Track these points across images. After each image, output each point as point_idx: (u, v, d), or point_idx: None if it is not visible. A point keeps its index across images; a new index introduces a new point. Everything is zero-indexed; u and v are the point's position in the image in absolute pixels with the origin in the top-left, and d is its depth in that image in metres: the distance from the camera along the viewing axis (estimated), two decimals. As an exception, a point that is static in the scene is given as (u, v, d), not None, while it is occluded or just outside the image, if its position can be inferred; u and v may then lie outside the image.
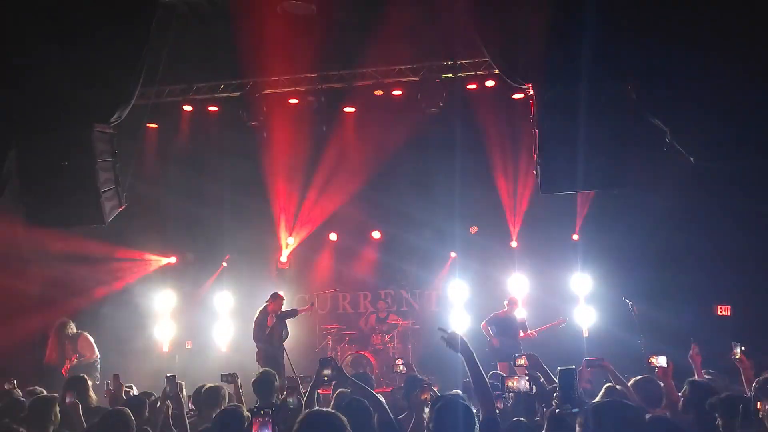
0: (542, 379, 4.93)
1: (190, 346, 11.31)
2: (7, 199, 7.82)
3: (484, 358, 9.29)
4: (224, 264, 12.06)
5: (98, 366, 8.89)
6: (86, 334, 9.01)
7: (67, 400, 5.03)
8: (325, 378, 4.50)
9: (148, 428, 4.56)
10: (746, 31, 6.81)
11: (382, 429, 3.92)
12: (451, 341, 3.81)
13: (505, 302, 10.19)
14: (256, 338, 9.78)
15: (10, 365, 8.56)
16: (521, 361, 5.05)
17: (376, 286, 12.37)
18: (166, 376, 4.88)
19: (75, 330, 9.00)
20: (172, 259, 12.12)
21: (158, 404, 4.87)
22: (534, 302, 11.12)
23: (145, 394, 5.55)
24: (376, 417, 4.14)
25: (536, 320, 10.57)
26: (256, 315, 9.86)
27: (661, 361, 4.83)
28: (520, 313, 10.29)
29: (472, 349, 3.78)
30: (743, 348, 4.94)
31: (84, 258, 10.48)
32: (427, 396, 4.97)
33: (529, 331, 10.07)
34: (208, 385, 5.33)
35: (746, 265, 9.10)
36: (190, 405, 5.51)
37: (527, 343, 9.84)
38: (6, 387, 6.08)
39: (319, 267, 12.50)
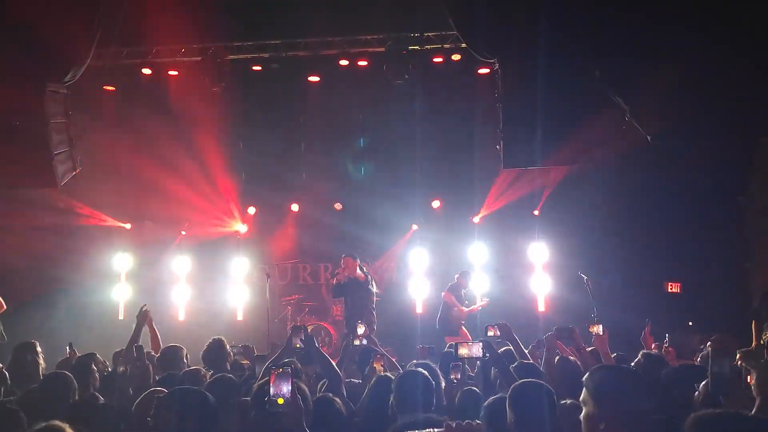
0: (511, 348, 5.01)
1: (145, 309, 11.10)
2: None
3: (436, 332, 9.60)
4: (183, 233, 11.87)
5: None
6: None
7: (27, 358, 4.98)
8: (297, 347, 4.45)
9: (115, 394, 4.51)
10: (708, 12, 6.93)
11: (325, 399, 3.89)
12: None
13: (456, 276, 10.23)
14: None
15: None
16: (492, 332, 5.07)
17: (337, 258, 12.33)
18: (135, 346, 4.90)
19: None
20: (127, 225, 11.85)
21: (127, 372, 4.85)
22: (492, 271, 11.28)
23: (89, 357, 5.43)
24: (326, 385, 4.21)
25: (493, 288, 10.75)
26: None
27: (598, 329, 5.03)
28: (472, 285, 10.37)
29: None
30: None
31: (36, 220, 10.16)
32: (379, 365, 5.06)
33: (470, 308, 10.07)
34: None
35: (698, 243, 9.38)
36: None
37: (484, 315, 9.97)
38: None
39: (280, 237, 12.40)
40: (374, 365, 5.02)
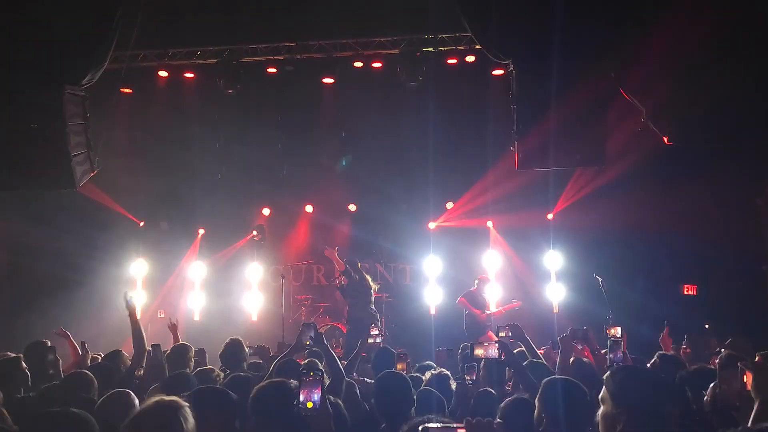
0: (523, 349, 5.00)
1: (162, 315, 11.24)
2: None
3: (460, 335, 9.58)
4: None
5: None
6: None
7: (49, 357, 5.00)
8: (307, 343, 4.49)
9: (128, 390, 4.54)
10: (725, 15, 6.87)
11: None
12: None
13: (476, 281, 10.27)
14: None
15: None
16: (503, 333, 5.07)
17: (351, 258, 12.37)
18: (152, 345, 4.96)
19: None
20: (140, 223, 11.98)
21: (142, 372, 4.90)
22: (506, 278, 11.27)
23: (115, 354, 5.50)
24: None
25: (508, 296, 10.74)
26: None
27: (616, 331, 5.01)
28: (489, 292, 10.39)
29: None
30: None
31: (53, 222, 10.29)
32: (403, 366, 5.10)
33: (487, 312, 10.10)
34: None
35: (715, 245, 9.29)
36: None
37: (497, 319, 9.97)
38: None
39: (295, 238, 12.46)
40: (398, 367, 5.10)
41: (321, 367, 4.26)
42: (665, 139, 7.27)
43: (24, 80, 7.19)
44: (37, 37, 7.08)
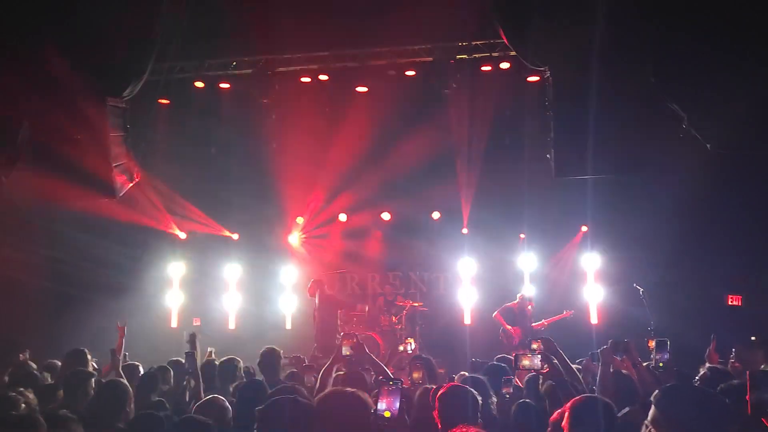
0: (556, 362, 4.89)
1: (198, 324, 11.39)
2: (21, 169, 7.84)
3: (497, 345, 9.56)
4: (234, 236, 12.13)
5: None
6: None
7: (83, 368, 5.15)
8: (347, 354, 4.52)
9: (164, 400, 4.61)
10: (765, 16, 6.67)
11: None
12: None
13: (518, 296, 10.20)
14: None
15: (22, 337, 8.64)
16: (535, 345, 4.97)
17: (385, 268, 12.36)
18: (186, 353, 5.00)
19: None
20: (182, 234, 12.19)
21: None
22: (540, 280, 11.14)
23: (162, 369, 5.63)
24: None
25: (545, 303, 10.62)
26: None
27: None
28: (532, 309, 10.34)
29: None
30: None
31: (95, 227, 10.53)
32: (417, 375, 5.07)
33: (537, 323, 10.08)
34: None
35: (759, 255, 9.01)
36: None
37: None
38: (20, 358, 6.16)
39: (329, 247, 12.49)
40: (413, 374, 5.08)
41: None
42: (708, 145, 7.08)
43: (69, 94, 7.39)
44: (82, 53, 7.28)
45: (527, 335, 9.70)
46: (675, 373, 4.76)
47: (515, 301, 10.21)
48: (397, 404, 2.62)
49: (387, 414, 2.58)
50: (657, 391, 2.45)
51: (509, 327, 9.96)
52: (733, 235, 9.19)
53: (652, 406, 2.36)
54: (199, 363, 5.47)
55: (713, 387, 4.16)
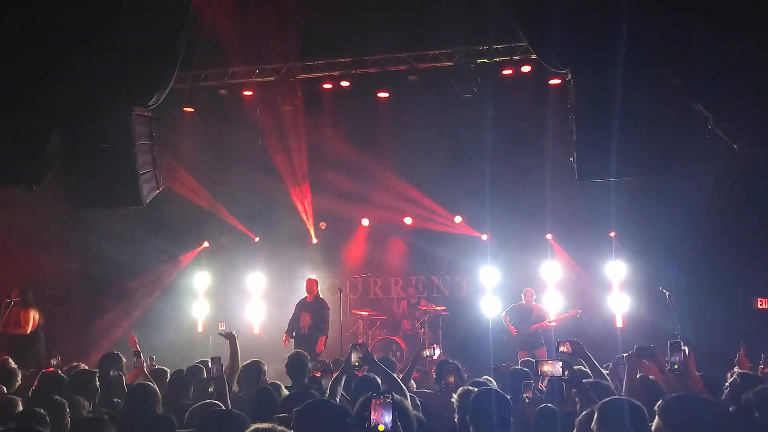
0: (585, 367, 4.86)
1: (223, 328, 11.49)
2: (51, 180, 8.01)
3: (504, 346, 9.56)
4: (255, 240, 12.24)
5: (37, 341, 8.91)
6: (32, 309, 9.01)
7: (111, 373, 5.24)
8: (355, 364, 4.55)
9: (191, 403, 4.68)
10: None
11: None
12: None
13: (522, 294, 10.17)
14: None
15: (56, 343, 8.87)
16: (563, 348, 4.93)
17: (407, 272, 12.38)
18: (212, 358, 5.05)
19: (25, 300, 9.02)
20: (205, 244, 12.38)
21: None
22: (566, 289, 11.06)
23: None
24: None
25: (568, 307, 10.55)
26: None
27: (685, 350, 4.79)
28: (539, 303, 10.32)
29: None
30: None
31: (124, 238, 10.74)
32: (452, 379, 5.10)
33: (545, 321, 10.00)
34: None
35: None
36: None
37: (557, 332, 9.81)
38: (52, 363, 6.28)
39: (351, 252, 12.55)
40: (448, 379, 5.12)
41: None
42: (735, 146, 6.95)
43: (95, 103, 7.53)
44: (107, 61, 7.41)
45: (528, 334, 9.74)
46: (700, 379, 4.68)
47: (521, 301, 10.19)
48: (389, 417, 2.62)
49: (381, 428, 2.59)
50: (661, 401, 2.41)
51: (511, 327, 9.99)
52: (762, 236, 9.02)
53: (656, 416, 2.31)
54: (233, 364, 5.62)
55: (744, 393, 4.10)
